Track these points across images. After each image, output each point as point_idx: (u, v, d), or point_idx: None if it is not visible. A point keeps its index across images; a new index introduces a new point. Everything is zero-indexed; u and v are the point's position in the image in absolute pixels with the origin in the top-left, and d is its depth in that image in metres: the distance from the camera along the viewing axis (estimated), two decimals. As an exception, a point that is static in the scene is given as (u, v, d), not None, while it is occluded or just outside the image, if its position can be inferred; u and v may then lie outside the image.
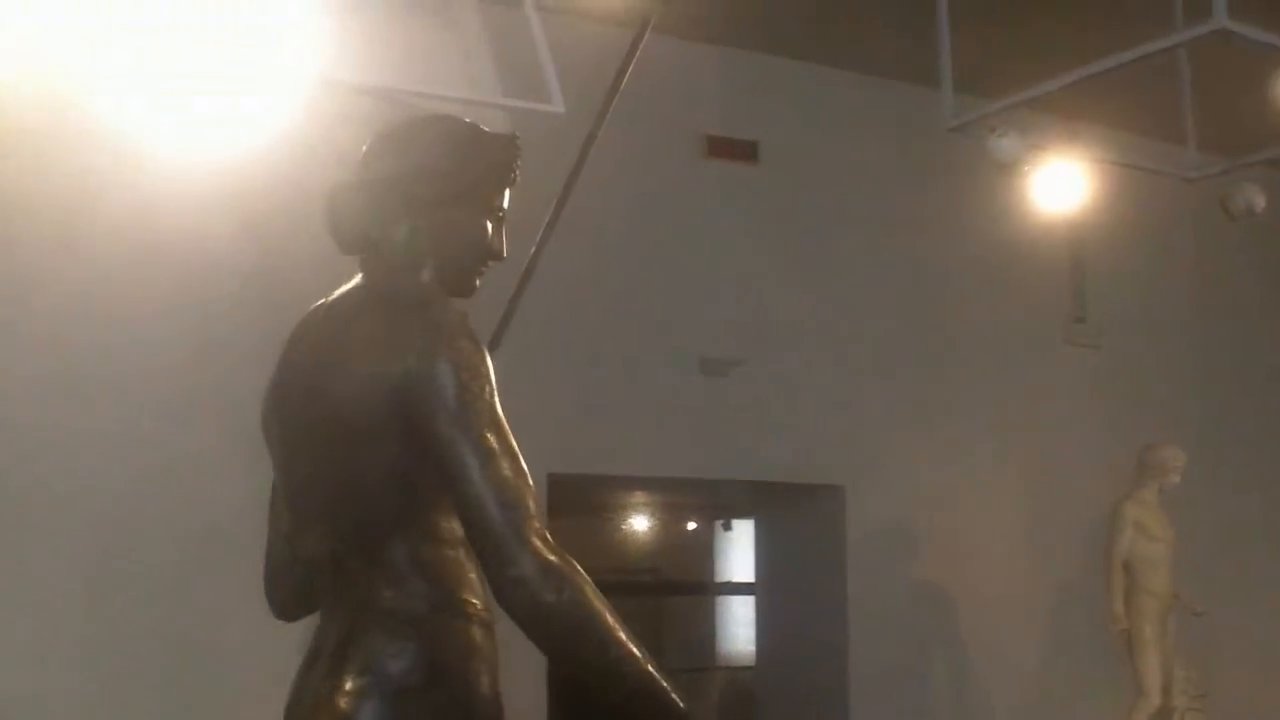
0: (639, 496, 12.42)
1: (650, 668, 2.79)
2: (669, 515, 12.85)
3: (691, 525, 12.84)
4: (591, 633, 2.76)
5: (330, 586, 3.03)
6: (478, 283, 3.26)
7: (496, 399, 2.90)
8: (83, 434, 7.34)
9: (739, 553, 12.33)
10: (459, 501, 2.84)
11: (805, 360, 9.31)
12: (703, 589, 12.19)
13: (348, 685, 2.88)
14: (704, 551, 12.81)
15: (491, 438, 2.84)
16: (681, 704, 2.80)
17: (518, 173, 3.25)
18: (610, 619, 2.78)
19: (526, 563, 2.75)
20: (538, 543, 2.78)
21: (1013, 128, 6.36)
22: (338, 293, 3.14)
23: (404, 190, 3.14)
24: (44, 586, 7.27)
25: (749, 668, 11.24)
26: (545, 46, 4.93)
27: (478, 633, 2.96)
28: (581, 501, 11.28)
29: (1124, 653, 9.00)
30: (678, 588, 12.54)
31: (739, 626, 12.46)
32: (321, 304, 3.15)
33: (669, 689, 2.80)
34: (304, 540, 3.08)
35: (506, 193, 3.25)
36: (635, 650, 2.78)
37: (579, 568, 2.80)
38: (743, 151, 9.01)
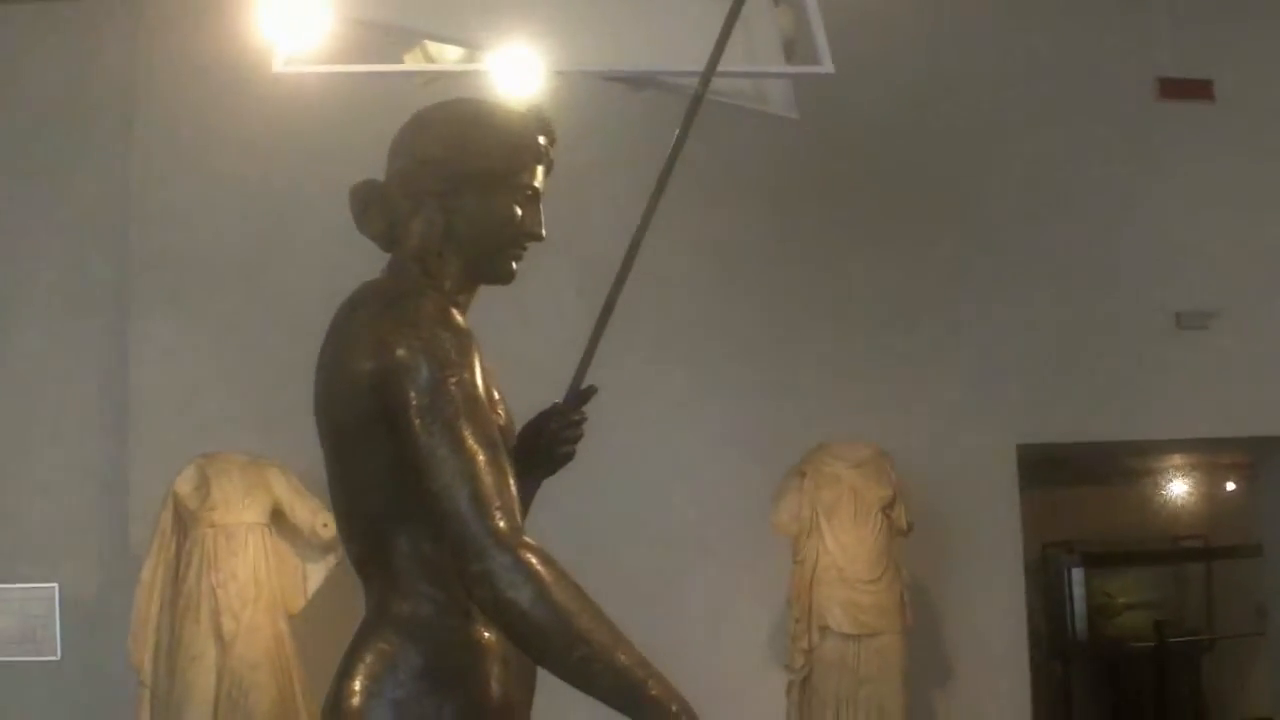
0: (1175, 460, 11.86)
1: (628, 663, 2.67)
2: (1206, 477, 12.26)
3: (1230, 486, 12.20)
4: (557, 631, 2.66)
5: (363, 589, 3.07)
6: (514, 265, 3.18)
7: (478, 389, 2.84)
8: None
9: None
10: (429, 494, 2.77)
11: (1288, 307, 8.66)
12: (1248, 552, 11.56)
13: (354, 687, 2.89)
14: (1253, 512, 12.14)
15: (464, 429, 2.78)
16: (672, 705, 2.67)
17: (543, 147, 3.16)
18: (582, 617, 2.67)
19: (491, 557, 2.69)
20: (506, 537, 2.71)
21: None
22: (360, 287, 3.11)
23: (414, 182, 3.10)
24: None
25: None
26: (815, 6, 4.85)
27: (484, 633, 2.93)
28: (1095, 470, 10.92)
29: None
30: (1222, 552, 11.94)
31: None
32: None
33: (653, 688, 2.66)
34: (343, 543, 3.12)
35: (539, 169, 3.17)
36: (612, 647, 2.67)
37: (553, 562, 2.72)
38: (1198, 91, 8.50)
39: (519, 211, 3.13)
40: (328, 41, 4.95)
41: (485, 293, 3.24)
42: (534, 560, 2.70)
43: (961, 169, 8.34)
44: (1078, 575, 12.03)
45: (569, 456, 3.52)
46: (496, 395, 3.03)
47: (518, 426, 3.35)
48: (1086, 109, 8.48)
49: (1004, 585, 8.26)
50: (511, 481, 2.82)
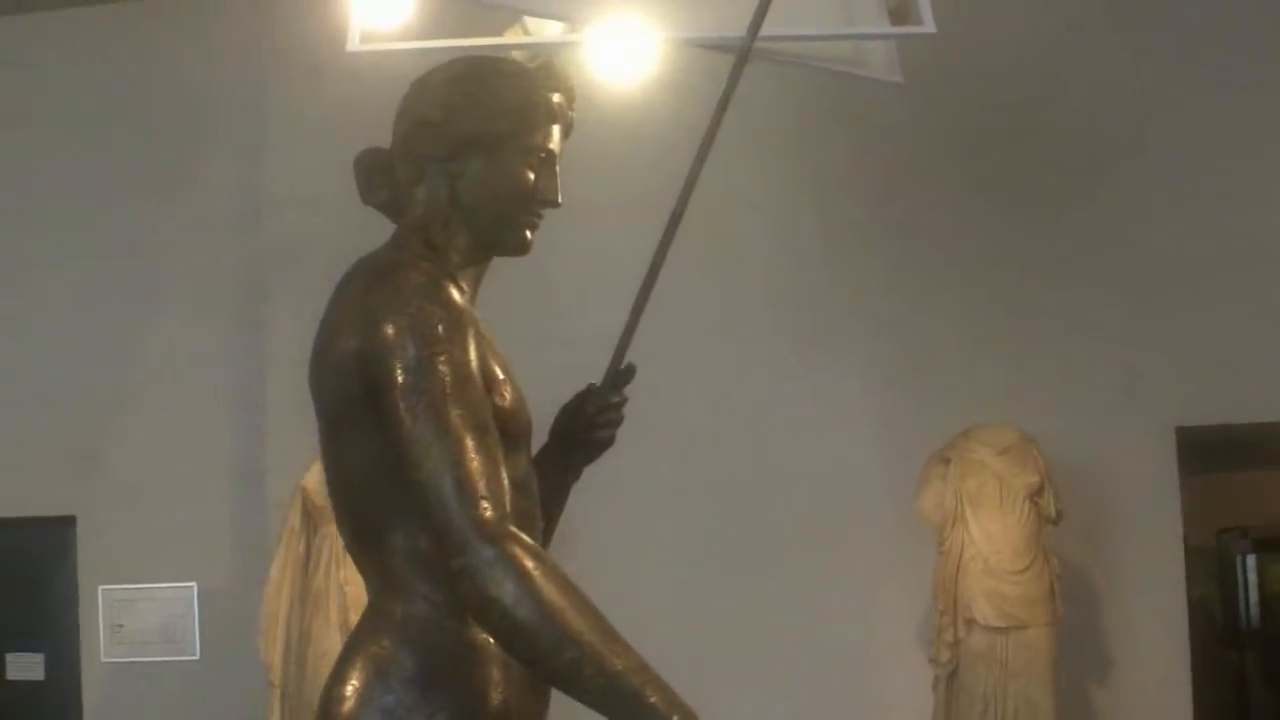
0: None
1: (624, 668, 2.47)
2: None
3: None
4: (544, 632, 2.48)
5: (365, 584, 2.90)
6: (529, 235, 2.97)
7: (470, 368, 2.67)
8: (681, 428, 7.70)
9: None
10: (414, 483, 2.59)
11: None
12: None
13: (345, 692, 2.73)
14: None
15: (452, 411, 2.60)
16: (674, 715, 2.46)
17: (557, 106, 2.95)
18: (572, 616, 2.48)
19: (474, 551, 2.51)
20: (490, 528, 2.52)
21: None
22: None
23: (416, 148, 2.92)
24: (645, 572, 7.66)
25: None
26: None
27: (481, 635, 2.69)
28: (1272, 453, 10.46)
29: None
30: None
31: None
32: None
33: (651, 694, 2.46)
34: (341, 537, 2.94)
35: (553, 130, 2.95)
36: (606, 650, 2.48)
37: (543, 556, 2.56)
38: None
39: (531, 176, 2.92)
40: (421, 18, 4.82)
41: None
42: (520, 554, 2.52)
43: (1107, 132, 7.93)
44: (1250, 562, 11.59)
45: (609, 442, 3.32)
46: (501, 375, 2.81)
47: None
48: (1240, 71, 8.02)
49: (1163, 574, 7.87)
50: (503, 469, 2.63)
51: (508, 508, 2.60)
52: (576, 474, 3.31)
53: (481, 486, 2.56)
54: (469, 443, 2.59)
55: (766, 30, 4.36)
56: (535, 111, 2.93)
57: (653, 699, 2.47)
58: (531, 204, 2.94)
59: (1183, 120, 7.96)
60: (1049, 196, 7.87)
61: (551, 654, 2.48)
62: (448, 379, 2.63)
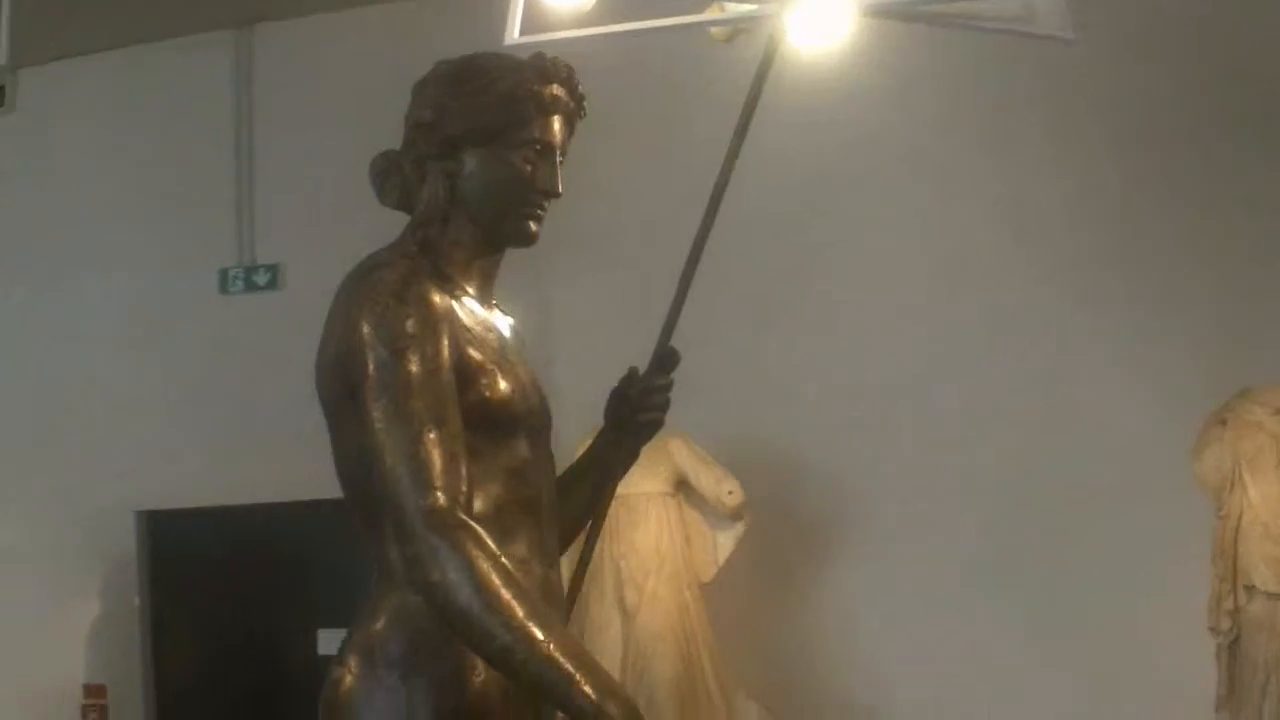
0: None
1: (556, 655, 2.57)
2: None
3: None
4: (480, 617, 2.59)
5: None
6: (533, 226, 3.08)
7: (440, 362, 2.78)
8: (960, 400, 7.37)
9: None
10: (376, 475, 2.72)
11: None
12: None
13: (341, 673, 2.88)
14: None
15: (412, 404, 2.72)
16: (608, 704, 2.55)
17: (550, 97, 3.03)
18: (507, 603, 2.59)
19: (421, 539, 2.64)
20: (439, 517, 2.65)
21: None
22: None
23: (415, 149, 3.05)
24: (937, 584, 7.32)
25: None
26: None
27: None
28: None
29: None
30: None
31: None
32: None
33: (583, 682, 2.56)
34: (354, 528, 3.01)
35: (551, 121, 3.04)
36: (540, 636, 2.58)
37: (485, 544, 2.64)
38: None
39: (528, 168, 3.04)
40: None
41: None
42: (466, 542, 2.64)
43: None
44: None
45: (657, 424, 3.46)
46: (490, 365, 2.92)
47: None
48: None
49: None
50: (462, 460, 2.74)
51: (461, 498, 2.70)
52: (633, 454, 3.45)
53: (434, 476, 2.68)
54: (427, 434, 2.71)
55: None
56: (525, 104, 3.03)
57: (584, 684, 2.57)
58: (530, 195, 3.06)
59: None
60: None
61: (486, 639, 2.61)
62: (415, 375, 2.76)
